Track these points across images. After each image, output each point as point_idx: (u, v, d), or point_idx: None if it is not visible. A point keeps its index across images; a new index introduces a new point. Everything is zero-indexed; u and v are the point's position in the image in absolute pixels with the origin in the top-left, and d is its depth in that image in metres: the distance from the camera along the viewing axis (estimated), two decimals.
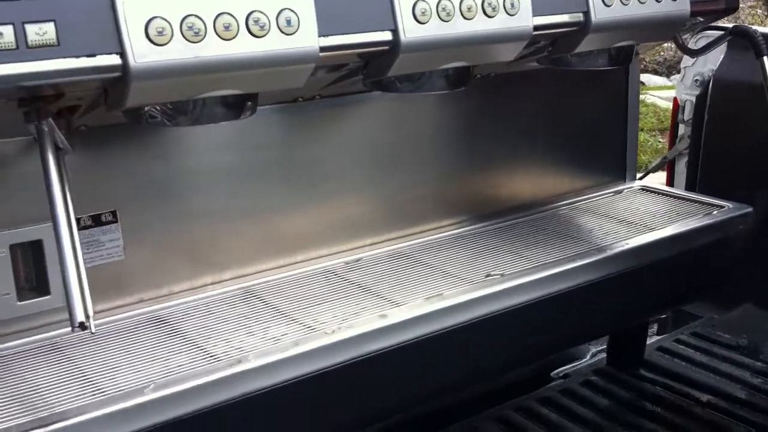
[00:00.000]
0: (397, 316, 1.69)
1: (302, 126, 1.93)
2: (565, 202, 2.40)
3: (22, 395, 1.46)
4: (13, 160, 1.58)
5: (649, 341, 2.66)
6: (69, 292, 1.27)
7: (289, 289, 1.86)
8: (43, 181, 1.53)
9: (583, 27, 1.77)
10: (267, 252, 1.92)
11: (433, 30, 1.54)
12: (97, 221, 1.68)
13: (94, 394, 1.44)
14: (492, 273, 1.90)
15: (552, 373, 2.60)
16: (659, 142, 7.72)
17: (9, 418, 1.39)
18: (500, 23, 1.61)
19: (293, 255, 1.96)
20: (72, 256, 1.28)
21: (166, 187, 1.77)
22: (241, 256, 1.88)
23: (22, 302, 1.62)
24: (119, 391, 1.44)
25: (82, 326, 1.25)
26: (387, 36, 1.51)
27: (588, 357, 2.71)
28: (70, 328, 1.60)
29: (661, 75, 10.42)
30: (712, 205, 2.37)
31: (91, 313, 1.27)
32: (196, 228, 1.82)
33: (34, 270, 1.64)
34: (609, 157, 2.53)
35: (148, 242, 1.76)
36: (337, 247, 2.03)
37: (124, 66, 1.26)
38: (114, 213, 1.70)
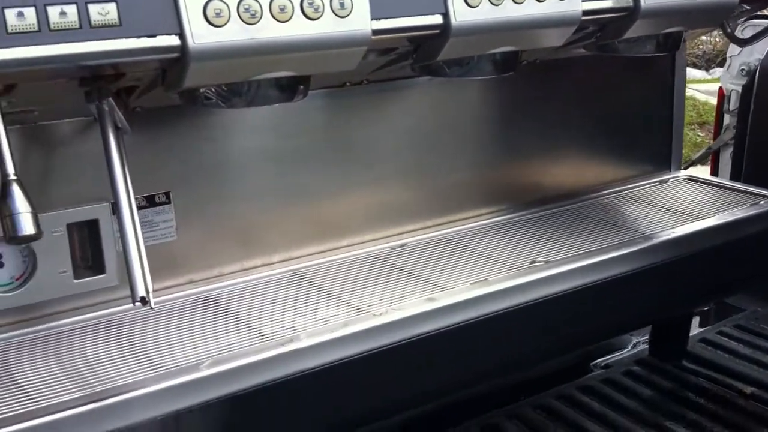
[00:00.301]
0: (444, 299, 1.71)
1: (349, 110, 1.95)
2: (609, 191, 2.39)
3: (78, 370, 1.49)
4: (71, 140, 1.62)
5: (691, 333, 2.65)
6: (130, 268, 1.30)
7: (335, 272, 1.88)
8: (99, 161, 1.58)
9: (632, 12, 1.77)
10: (313, 236, 1.94)
11: (484, 14, 1.55)
12: (151, 202, 1.71)
13: (150, 370, 1.47)
14: (537, 260, 1.91)
15: (593, 363, 2.60)
16: (698, 135, 7.65)
17: (66, 392, 1.42)
18: (550, 8, 1.62)
19: (339, 239, 1.99)
20: (133, 233, 1.31)
21: (217, 169, 1.80)
22: (288, 239, 1.91)
23: (79, 280, 1.66)
24: (175, 366, 1.47)
25: (143, 301, 1.29)
26: (438, 20, 1.52)
27: (629, 347, 2.70)
28: (124, 306, 1.68)
29: (700, 68, 10.31)
30: (759, 195, 2.36)
31: (150, 288, 1.31)
32: (245, 210, 1.84)
33: (90, 249, 1.67)
34: (654, 146, 2.52)
35: (200, 224, 1.79)
36: (381, 232, 2.04)
37: (183, 47, 1.28)
38: (167, 194, 1.73)
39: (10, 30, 1.16)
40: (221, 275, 1.83)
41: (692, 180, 2.53)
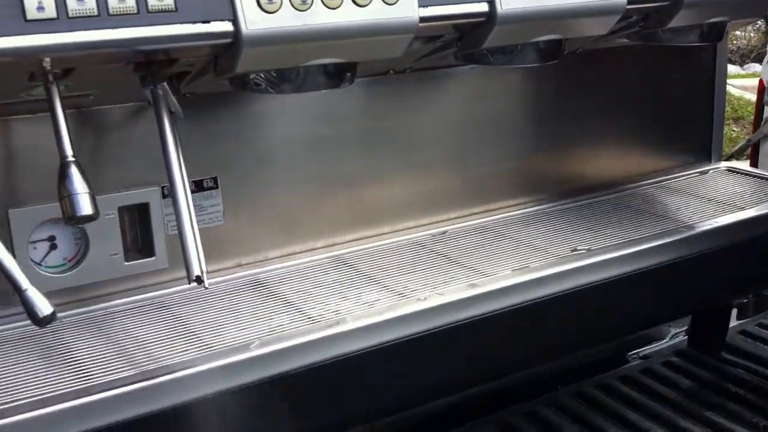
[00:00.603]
0: (486, 285, 1.72)
1: (392, 98, 1.97)
2: (649, 182, 2.39)
3: (128, 350, 1.52)
4: (123, 125, 1.66)
5: (730, 325, 2.64)
6: (185, 248, 1.33)
7: (378, 258, 1.91)
8: (150, 146, 1.63)
9: (677, 1, 1.77)
10: (355, 222, 1.97)
11: (529, 2, 1.56)
12: (199, 186, 1.75)
13: (200, 350, 1.50)
14: (578, 248, 1.92)
15: (631, 354, 2.60)
16: (733, 131, 7.59)
17: (116, 371, 1.45)
18: None
19: (380, 226, 2.01)
20: (187, 215, 1.35)
21: (263, 155, 1.82)
22: (331, 225, 1.94)
23: (129, 263, 1.70)
24: (225, 347, 1.50)
25: (198, 280, 1.32)
26: (484, 7, 1.54)
27: (668, 339, 2.70)
28: (173, 288, 1.72)
29: (734, 64, 10.20)
30: None
31: (205, 269, 1.34)
32: (289, 196, 1.87)
33: (140, 232, 1.71)
34: (694, 137, 2.51)
35: (246, 209, 1.82)
36: (422, 220, 2.06)
37: (236, 32, 1.31)
38: (215, 179, 1.77)
39: (70, 14, 1.19)
40: (267, 260, 1.86)
41: (733, 171, 2.53)
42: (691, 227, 2.05)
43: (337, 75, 1.53)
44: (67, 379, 1.42)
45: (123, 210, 1.68)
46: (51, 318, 1.19)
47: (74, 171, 1.28)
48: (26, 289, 1.19)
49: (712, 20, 1.93)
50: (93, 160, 1.63)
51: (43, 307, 1.19)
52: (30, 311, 1.19)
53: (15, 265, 1.21)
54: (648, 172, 2.42)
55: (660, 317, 2.24)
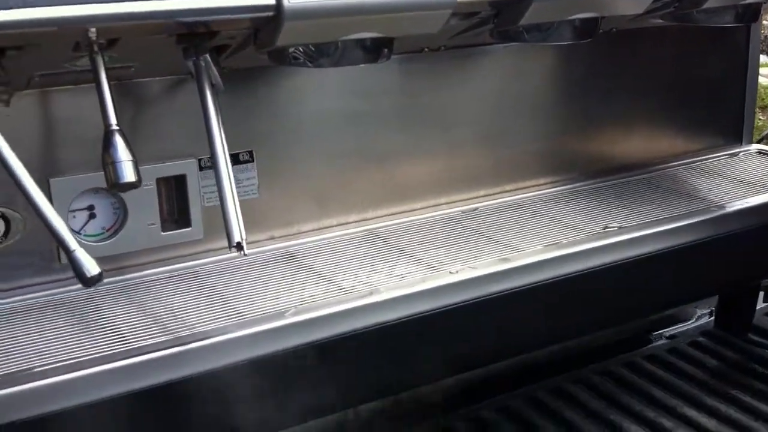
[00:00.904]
0: (518, 260, 1.74)
1: (427, 76, 1.98)
2: (679, 162, 2.39)
3: (163, 317, 1.55)
4: (162, 98, 1.68)
5: (757, 307, 2.65)
6: (227, 216, 1.36)
7: (410, 233, 1.93)
8: (188, 119, 1.65)
9: None
10: (388, 197, 1.99)
11: None
12: (235, 160, 1.77)
13: (233, 318, 1.53)
14: (609, 225, 1.93)
15: (657, 334, 2.61)
16: (759, 119, 7.53)
17: (151, 336, 1.48)
18: None
19: (413, 202, 2.03)
20: (228, 184, 1.37)
21: (298, 130, 1.84)
22: (363, 199, 1.96)
23: (166, 233, 1.73)
24: (259, 315, 1.53)
25: (239, 246, 1.35)
26: None
27: (694, 320, 2.71)
28: (208, 259, 1.75)
29: (762, 53, 10.09)
30: None
31: (244, 236, 1.36)
32: (323, 171, 1.89)
33: (176, 203, 1.74)
34: (726, 119, 2.51)
35: (280, 182, 1.84)
36: (454, 196, 2.08)
37: (278, 6, 1.32)
38: (251, 153, 1.79)
39: None
40: (299, 233, 1.88)
41: (763, 153, 2.52)
42: (721, 207, 2.05)
43: (375, 50, 1.55)
44: (102, 343, 1.46)
45: (161, 181, 1.70)
46: (98, 278, 1.22)
47: (118, 139, 1.31)
48: (74, 250, 1.22)
49: (748, 1, 1.92)
50: (132, 132, 1.64)
51: (91, 267, 1.22)
52: (78, 271, 1.22)
53: (64, 227, 1.23)
54: (678, 154, 2.42)
55: (689, 296, 2.25)
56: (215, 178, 1.38)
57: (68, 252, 1.22)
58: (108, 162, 1.30)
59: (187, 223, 1.74)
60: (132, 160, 1.30)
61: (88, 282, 1.21)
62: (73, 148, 1.60)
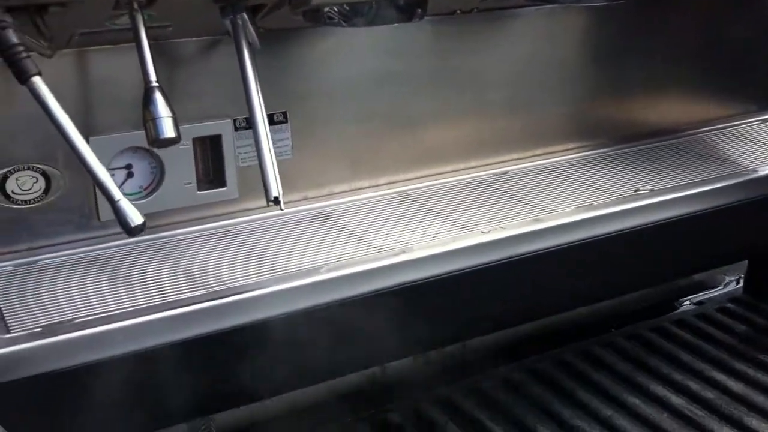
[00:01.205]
0: (550, 221, 1.76)
1: (459, 38, 1.98)
2: (710, 128, 2.38)
3: (197, 274, 1.58)
4: (198, 58, 1.70)
5: None
6: (265, 171, 1.38)
7: (441, 195, 1.94)
8: (223, 79, 1.68)
9: None
10: (419, 160, 2.00)
11: None
12: (269, 120, 1.77)
13: (269, 273, 1.56)
14: (641, 188, 1.94)
15: (685, 299, 2.62)
16: None
17: (184, 291, 1.51)
18: None
19: (443, 165, 2.04)
20: (266, 140, 1.39)
21: (331, 91, 1.86)
22: (395, 161, 1.97)
23: (202, 192, 1.75)
24: (294, 271, 1.55)
25: (276, 201, 1.37)
26: None
27: (722, 286, 2.71)
28: (243, 218, 1.78)
29: None
30: None
31: (281, 191, 1.38)
32: (355, 132, 1.91)
33: (211, 163, 1.76)
34: (758, 85, 2.49)
35: (313, 143, 1.86)
36: (484, 160, 2.09)
37: None
38: (285, 114, 1.81)
39: None
40: (332, 194, 1.90)
41: None
42: (753, 171, 2.05)
43: (408, 9, 1.56)
44: (140, 297, 1.49)
45: (197, 141, 1.72)
46: (142, 228, 1.25)
47: (158, 96, 1.33)
48: (119, 200, 1.25)
49: None
50: (169, 92, 1.66)
51: (135, 217, 1.25)
52: (122, 220, 1.25)
53: (109, 177, 1.26)
54: (710, 119, 2.41)
55: (720, 259, 2.25)
56: (253, 133, 1.40)
57: (113, 201, 1.25)
58: (148, 118, 1.33)
59: (222, 182, 1.77)
60: (172, 117, 1.33)
61: (132, 231, 1.24)
62: (111, 108, 1.63)
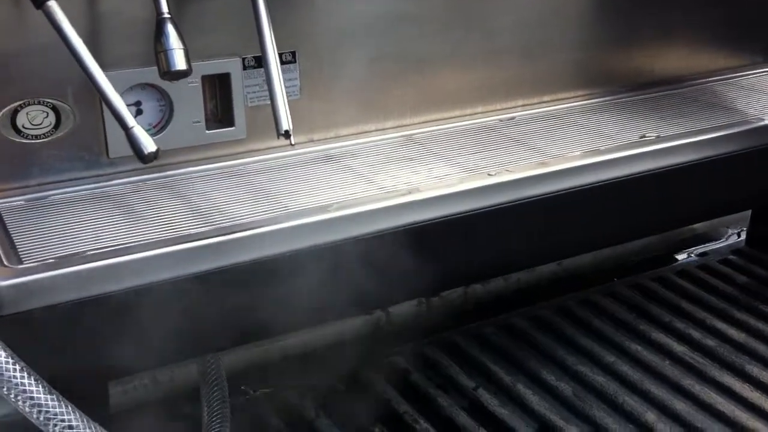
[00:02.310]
0: (557, 165, 1.76)
1: None
2: (718, 78, 2.38)
3: (205, 210, 1.58)
4: None
5: None
6: (276, 104, 1.39)
7: (448, 139, 1.94)
8: (232, 17, 1.67)
9: None
10: (426, 104, 2.00)
11: None
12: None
13: (278, 211, 1.56)
14: (647, 135, 1.94)
15: (688, 251, 2.64)
16: None
17: (193, 227, 1.51)
18: None
19: (450, 109, 2.04)
20: (277, 75, 1.39)
21: (339, 32, 1.85)
22: (402, 105, 1.97)
23: (210, 131, 1.76)
24: (302, 208, 1.56)
25: (287, 134, 1.38)
26: None
27: (725, 239, 2.73)
28: (251, 158, 1.79)
29: None
30: None
31: (291, 126, 1.39)
32: (362, 74, 1.90)
33: (220, 102, 1.77)
34: (766, 38, 2.48)
35: (320, 84, 1.85)
36: (491, 105, 2.09)
37: None
38: (293, 53, 1.80)
39: None
40: (338, 136, 1.90)
41: None
42: (760, 120, 2.05)
43: None
44: (149, 232, 1.50)
45: (205, 79, 1.72)
46: (155, 155, 1.25)
47: (170, 28, 1.33)
48: (133, 127, 1.26)
49: None
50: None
51: (148, 144, 1.25)
52: (136, 148, 1.25)
53: (123, 105, 1.27)
54: (717, 69, 2.40)
55: (724, 208, 2.25)
56: (264, 69, 1.40)
57: (127, 128, 1.26)
58: (160, 50, 1.33)
59: (230, 122, 1.77)
60: (183, 49, 1.33)
61: (146, 158, 1.25)
62: (121, 43, 1.62)
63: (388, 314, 2.33)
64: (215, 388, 1.87)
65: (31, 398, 1.22)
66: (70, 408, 1.25)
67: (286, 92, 1.78)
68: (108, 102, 1.26)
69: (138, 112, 1.69)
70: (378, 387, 2.11)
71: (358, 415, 2.05)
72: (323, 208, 1.55)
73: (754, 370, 2.07)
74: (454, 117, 2.04)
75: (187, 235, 1.48)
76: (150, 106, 1.70)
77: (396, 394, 2.08)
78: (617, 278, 2.47)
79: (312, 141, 1.88)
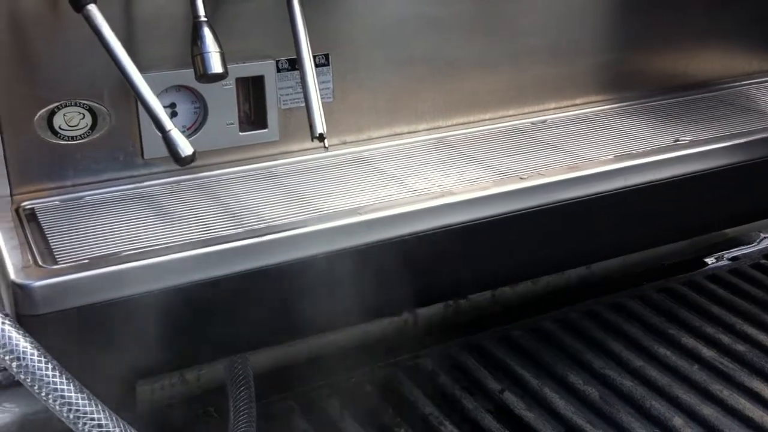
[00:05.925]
0: (589, 169, 1.76)
1: None
2: (753, 81, 2.36)
3: (238, 212, 1.59)
4: None
5: None
6: (311, 108, 1.39)
7: (479, 141, 1.94)
8: (266, 21, 1.68)
9: None
10: (458, 106, 2.00)
11: None
12: None
13: (310, 213, 1.57)
14: (681, 138, 1.93)
15: (719, 255, 2.62)
16: None
17: (227, 229, 1.52)
18: None
19: (481, 112, 2.04)
20: (312, 78, 1.40)
21: (372, 35, 1.85)
22: (435, 108, 1.97)
23: (244, 133, 1.77)
24: (335, 211, 1.57)
25: (321, 137, 1.38)
26: None
27: (757, 243, 2.70)
28: (284, 160, 1.80)
29: None
30: None
31: (325, 129, 1.39)
32: (397, 77, 1.91)
33: (253, 104, 1.77)
34: None
35: (353, 87, 1.86)
36: (523, 108, 2.08)
37: None
38: (327, 56, 1.81)
39: None
40: (370, 139, 1.91)
41: None
42: None
43: None
44: (183, 233, 1.51)
45: (239, 81, 1.73)
46: (192, 158, 1.26)
47: (207, 31, 1.34)
48: (170, 130, 1.27)
49: None
50: None
51: (185, 147, 1.26)
52: (173, 151, 1.26)
53: (161, 108, 1.27)
54: (752, 72, 2.38)
55: (758, 213, 2.23)
56: (299, 71, 1.41)
57: (164, 132, 1.26)
58: (196, 53, 1.34)
59: (263, 124, 1.78)
60: (220, 52, 1.34)
61: (183, 161, 1.26)
62: (156, 45, 1.63)
63: (416, 316, 2.33)
64: (242, 389, 1.88)
65: (62, 396, 1.24)
66: (99, 407, 1.26)
67: (320, 95, 1.81)
68: (146, 105, 1.27)
69: (173, 114, 1.70)
70: (404, 388, 2.11)
71: (383, 416, 2.06)
72: (355, 211, 1.56)
73: None
74: (485, 120, 2.04)
75: (220, 236, 1.49)
76: (185, 108, 1.71)
77: (422, 395, 2.08)
78: (647, 282, 2.46)
79: (344, 143, 1.88)
